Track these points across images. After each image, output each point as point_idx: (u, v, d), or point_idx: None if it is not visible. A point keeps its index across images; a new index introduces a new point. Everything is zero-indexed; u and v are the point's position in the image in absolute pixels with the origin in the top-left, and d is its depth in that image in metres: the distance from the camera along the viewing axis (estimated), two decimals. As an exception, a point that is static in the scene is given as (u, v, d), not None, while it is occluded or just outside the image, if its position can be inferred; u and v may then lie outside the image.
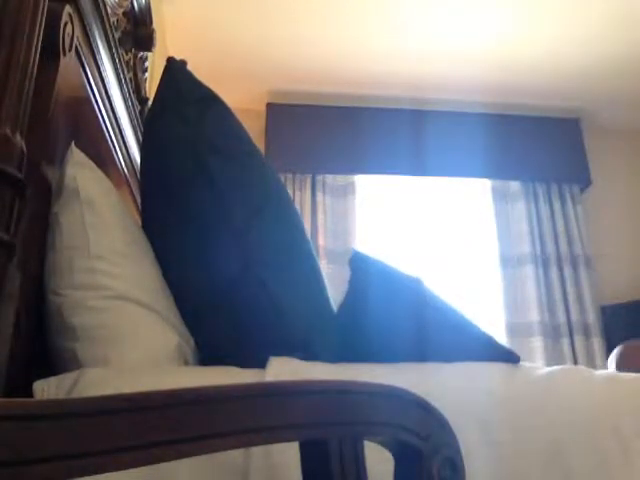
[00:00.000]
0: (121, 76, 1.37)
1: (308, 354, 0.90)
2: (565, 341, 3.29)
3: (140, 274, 0.99)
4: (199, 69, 1.20)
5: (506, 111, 3.68)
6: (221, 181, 1.01)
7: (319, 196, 3.45)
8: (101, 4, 1.14)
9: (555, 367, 0.97)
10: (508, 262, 3.47)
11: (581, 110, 3.74)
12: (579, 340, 3.29)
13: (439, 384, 0.83)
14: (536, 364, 3.00)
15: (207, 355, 1.02)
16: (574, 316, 3.34)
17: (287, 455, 0.69)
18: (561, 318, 3.34)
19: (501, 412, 0.81)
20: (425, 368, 0.88)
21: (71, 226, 0.93)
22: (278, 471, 0.70)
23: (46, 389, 0.77)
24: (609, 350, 3.29)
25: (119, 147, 1.47)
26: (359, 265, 1.03)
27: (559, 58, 3.28)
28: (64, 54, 0.96)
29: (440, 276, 3.39)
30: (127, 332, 0.91)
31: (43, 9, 0.83)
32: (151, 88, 1.91)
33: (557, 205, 3.59)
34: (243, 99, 3.52)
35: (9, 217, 0.75)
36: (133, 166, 1.60)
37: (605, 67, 3.37)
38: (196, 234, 1.01)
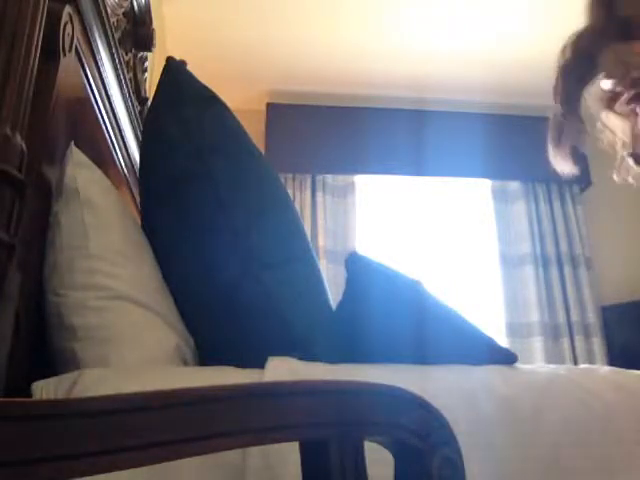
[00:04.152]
0: (121, 76, 1.37)
1: (307, 354, 0.90)
2: (565, 341, 3.29)
3: (140, 274, 0.99)
4: (199, 69, 1.20)
5: (506, 111, 3.68)
6: (221, 181, 1.01)
7: (319, 196, 3.44)
8: (101, 4, 1.14)
9: (556, 367, 0.97)
10: (508, 262, 3.47)
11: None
12: (579, 340, 3.29)
13: (438, 385, 0.83)
14: (536, 364, 3.00)
15: (207, 355, 1.02)
16: (574, 316, 3.34)
17: (285, 456, 0.69)
18: (561, 318, 3.34)
19: (500, 414, 0.81)
20: (424, 369, 0.88)
21: (71, 226, 0.93)
22: (276, 472, 0.70)
23: (45, 389, 0.77)
24: (609, 350, 3.29)
25: (119, 147, 1.47)
26: (355, 266, 1.03)
27: (559, 58, 3.27)
28: (64, 54, 0.96)
29: (440, 276, 3.39)
30: (127, 332, 0.91)
31: (43, 9, 0.83)
32: (151, 88, 1.91)
33: (557, 205, 3.59)
34: (243, 99, 3.52)
35: (9, 217, 0.75)
36: (133, 166, 1.60)
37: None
38: (196, 234, 1.01)
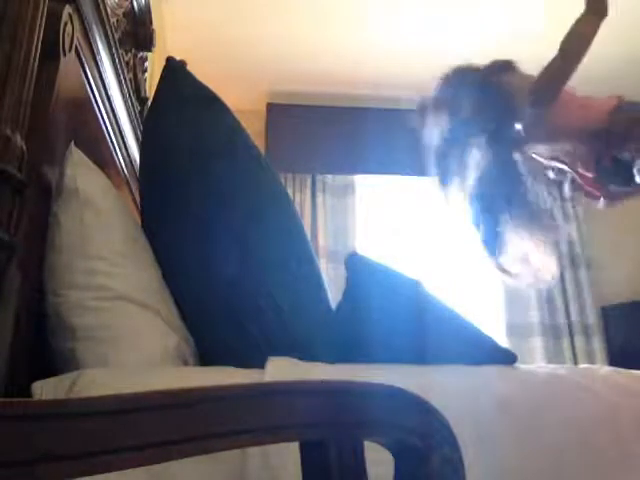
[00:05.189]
0: (121, 76, 1.37)
1: (307, 354, 0.90)
2: (565, 341, 3.29)
3: (140, 274, 0.99)
4: (199, 69, 1.20)
5: (506, 111, 3.68)
6: (220, 182, 1.01)
7: (319, 196, 3.44)
8: (101, 4, 1.14)
9: (556, 367, 0.97)
10: (508, 262, 3.46)
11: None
12: (579, 340, 3.29)
13: (438, 385, 0.83)
14: (536, 364, 3.00)
15: (207, 355, 1.02)
16: (574, 316, 3.34)
17: (285, 456, 0.69)
18: (561, 318, 3.34)
19: (500, 415, 0.81)
20: (424, 369, 0.88)
21: (71, 226, 0.93)
22: (275, 472, 0.70)
23: (45, 389, 0.77)
24: (609, 350, 3.29)
25: (119, 147, 1.47)
26: (355, 266, 1.03)
27: (559, 58, 3.27)
28: (64, 54, 0.96)
29: (440, 276, 3.39)
30: (126, 332, 0.91)
31: (43, 9, 0.83)
32: (151, 88, 1.91)
33: (556, 205, 3.58)
34: (243, 99, 3.52)
35: (9, 217, 0.75)
36: (133, 166, 1.60)
37: (604, 67, 3.37)
38: (196, 235, 1.01)
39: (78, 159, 1.01)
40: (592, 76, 3.49)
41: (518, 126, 1.17)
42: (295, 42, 3.22)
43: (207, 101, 1.10)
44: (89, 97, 1.19)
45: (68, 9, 0.95)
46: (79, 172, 0.99)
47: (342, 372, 0.84)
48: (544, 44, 3.46)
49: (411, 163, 3.52)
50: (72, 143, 1.03)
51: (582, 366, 1.11)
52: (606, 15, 1.16)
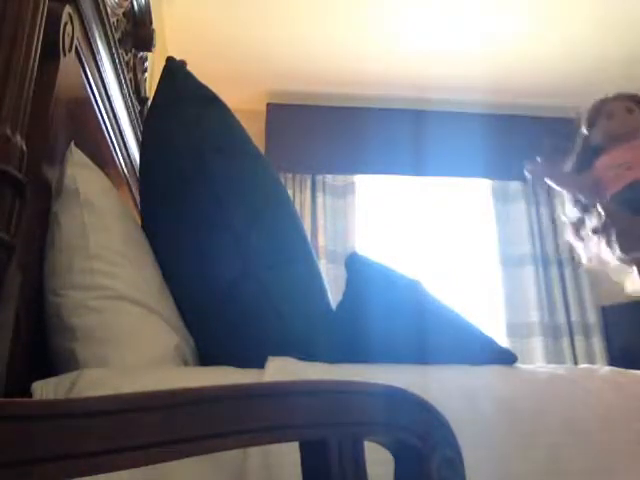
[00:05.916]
0: (121, 76, 1.37)
1: (307, 354, 0.90)
2: (565, 341, 3.29)
3: (140, 274, 0.99)
4: (199, 69, 1.20)
5: (506, 111, 3.68)
6: (221, 182, 1.01)
7: (319, 196, 3.44)
8: (101, 4, 1.14)
9: (556, 367, 0.97)
10: (508, 262, 3.47)
11: (581, 110, 3.73)
12: (579, 340, 3.29)
13: (438, 385, 0.83)
14: (536, 364, 3.00)
15: (207, 355, 1.02)
16: (574, 316, 3.34)
17: (285, 456, 0.69)
18: (561, 318, 3.34)
19: (500, 414, 0.81)
20: (424, 369, 0.88)
21: (71, 226, 0.93)
22: (275, 471, 0.70)
23: (45, 389, 0.77)
24: (609, 350, 3.29)
25: (119, 147, 1.47)
26: (355, 266, 1.03)
27: (559, 58, 3.28)
28: (64, 54, 0.96)
29: (440, 276, 3.39)
30: (126, 332, 0.91)
31: (43, 9, 0.83)
32: (151, 88, 1.90)
33: (557, 205, 3.58)
34: (243, 99, 3.52)
35: (9, 217, 0.75)
36: (133, 166, 1.60)
37: (604, 68, 3.37)
38: (196, 235, 1.01)
39: (78, 159, 1.01)
40: (592, 77, 3.50)
41: None
42: (295, 42, 3.22)
43: (207, 101, 1.10)
44: (89, 97, 1.19)
45: (68, 9, 0.95)
46: (79, 172, 0.99)
47: (342, 372, 0.84)
48: (544, 45, 3.47)
49: (411, 163, 3.55)
50: (72, 143, 1.03)
51: (582, 366, 1.11)
52: None
